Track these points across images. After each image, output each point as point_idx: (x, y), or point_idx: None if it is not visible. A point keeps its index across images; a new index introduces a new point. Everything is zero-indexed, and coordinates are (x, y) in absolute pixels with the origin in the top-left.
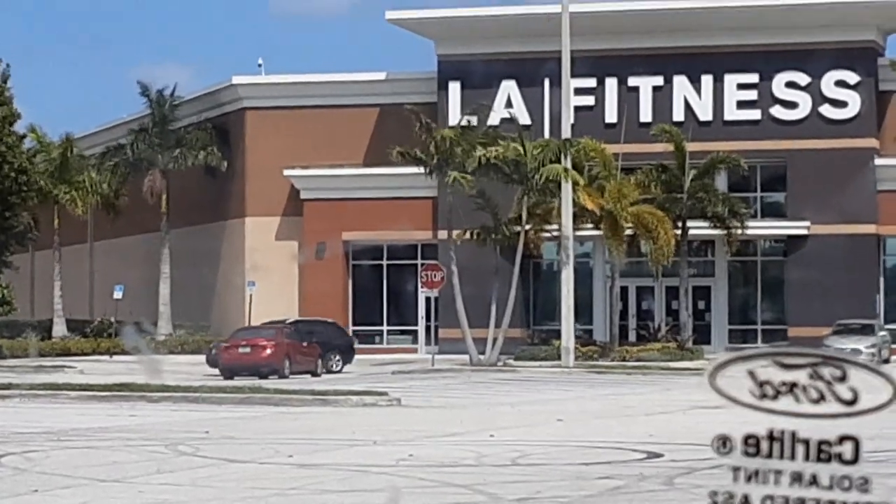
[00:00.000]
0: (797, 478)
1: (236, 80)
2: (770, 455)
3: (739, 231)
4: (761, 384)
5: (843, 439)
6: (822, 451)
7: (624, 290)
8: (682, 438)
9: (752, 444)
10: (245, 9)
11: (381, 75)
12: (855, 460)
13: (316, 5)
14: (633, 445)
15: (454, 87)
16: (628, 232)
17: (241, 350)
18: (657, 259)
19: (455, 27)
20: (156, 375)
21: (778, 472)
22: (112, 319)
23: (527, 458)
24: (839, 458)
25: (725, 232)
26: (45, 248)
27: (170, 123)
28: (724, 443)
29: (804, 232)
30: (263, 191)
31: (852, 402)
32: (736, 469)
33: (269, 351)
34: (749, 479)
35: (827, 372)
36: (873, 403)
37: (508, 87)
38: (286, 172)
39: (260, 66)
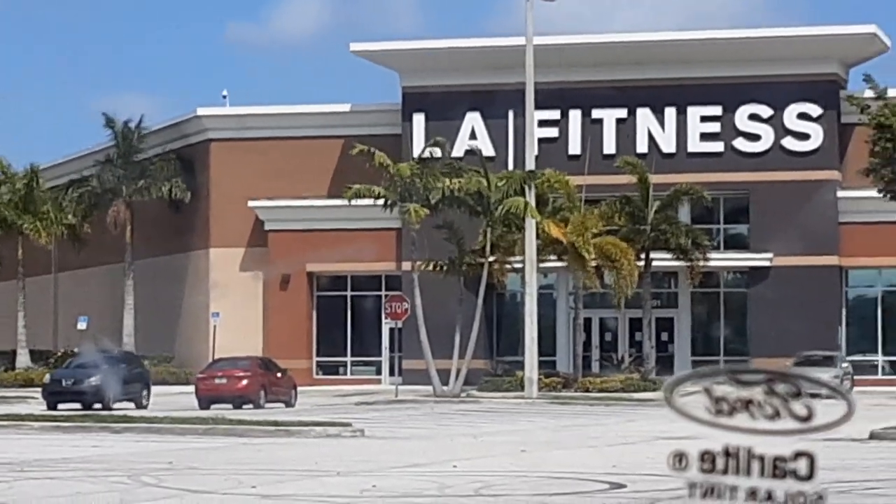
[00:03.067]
0: (753, 493)
1: (201, 111)
2: (726, 471)
3: (702, 263)
4: (717, 401)
5: (798, 455)
6: (778, 468)
7: (587, 321)
8: (644, 469)
9: (708, 460)
10: (207, 38)
11: (346, 107)
12: (810, 476)
13: (277, 36)
14: (595, 476)
15: (419, 119)
16: (592, 263)
17: (217, 381)
18: (620, 290)
19: (419, 59)
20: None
21: (734, 488)
22: (76, 350)
23: (490, 489)
24: (794, 474)
25: (688, 263)
26: (9, 278)
27: (134, 154)
28: (679, 459)
29: (767, 263)
30: (228, 222)
31: (807, 419)
32: (692, 485)
33: (245, 382)
34: (705, 494)
35: (782, 389)
36: (828, 420)
37: (473, 119)
38: (251, 203)
39: (225, 97)
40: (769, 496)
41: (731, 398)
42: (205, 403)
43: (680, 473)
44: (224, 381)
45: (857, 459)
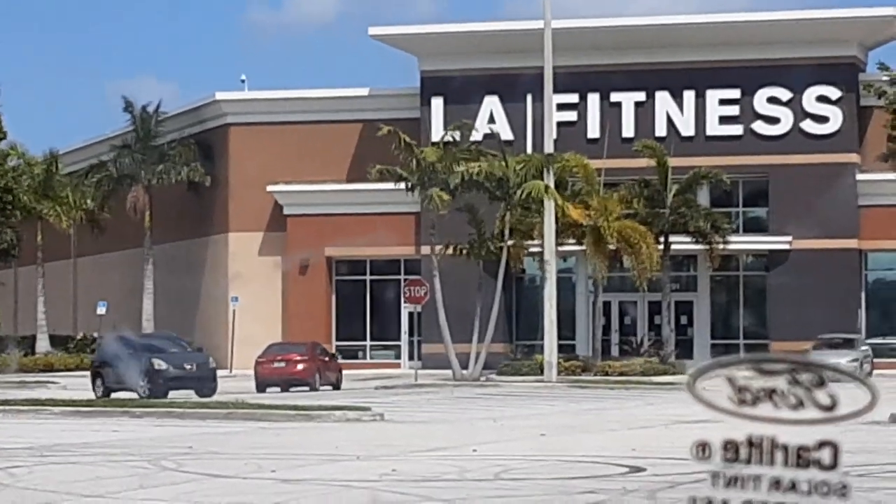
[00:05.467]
0: (776, 483)
1: (220, 95)
2: (749, 461)
3: (721, 246)
4: (740, 390)
5: (821, 445)
6: (801, 457)
7: (607, 304)
8: (664, 453)
9: (731, 449)
10: (225, 22)
11: (365, 91)
12: (834, 466)
13: (295, 20)
14: (615, 460)
15: (437, 103)
16: (611, 247)
17: (275, 364)
18: (640, 274)
19: (438, 43)
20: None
21: (757, 478)
22: (95, 335)
23: (510, 473)
24: (818, 463)
25: (707, 247)
26: (29, 263)
27: (153, 139)
28: (703, 448)
29: (786, 247)
30: (246, 206)
31: (831, 408)
32: (715, 475)
33: (302, 365)
34: (728, 484)
35: (805, 378)
36: (852, 409)
37: (491, 103)
38: (269, 188)
39: (243, 81)
40: (793, 486)
41: (755, 387)
42: (262, 387)
43: (703, 463)
44: (283, 364)
45: (878, 443)
